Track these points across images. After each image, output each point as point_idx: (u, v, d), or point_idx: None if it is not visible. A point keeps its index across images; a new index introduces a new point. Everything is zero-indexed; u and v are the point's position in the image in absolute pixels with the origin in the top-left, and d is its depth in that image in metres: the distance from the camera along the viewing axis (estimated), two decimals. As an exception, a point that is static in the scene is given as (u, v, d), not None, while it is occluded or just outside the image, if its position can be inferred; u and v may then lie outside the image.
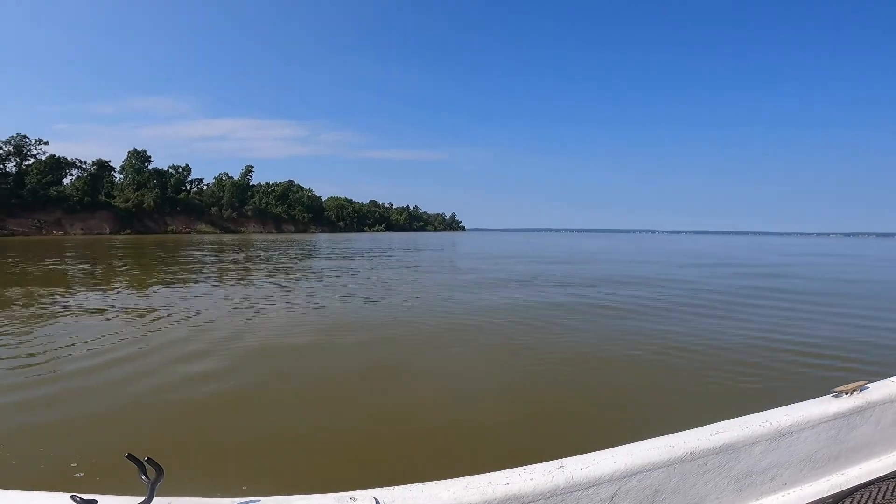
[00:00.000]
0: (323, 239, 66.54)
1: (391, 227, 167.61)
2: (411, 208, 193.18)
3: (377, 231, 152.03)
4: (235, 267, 17.87)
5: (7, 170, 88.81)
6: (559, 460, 1.25)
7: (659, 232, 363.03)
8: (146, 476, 0.98)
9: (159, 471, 0.97)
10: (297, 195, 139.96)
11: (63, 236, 79.12)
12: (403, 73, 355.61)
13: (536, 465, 1.21)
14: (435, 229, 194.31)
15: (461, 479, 1.14)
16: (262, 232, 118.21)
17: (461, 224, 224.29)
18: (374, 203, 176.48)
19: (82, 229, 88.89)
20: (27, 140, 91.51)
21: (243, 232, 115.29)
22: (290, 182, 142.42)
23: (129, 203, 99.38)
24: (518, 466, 1.19)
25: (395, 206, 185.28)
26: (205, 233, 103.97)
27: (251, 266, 18.27)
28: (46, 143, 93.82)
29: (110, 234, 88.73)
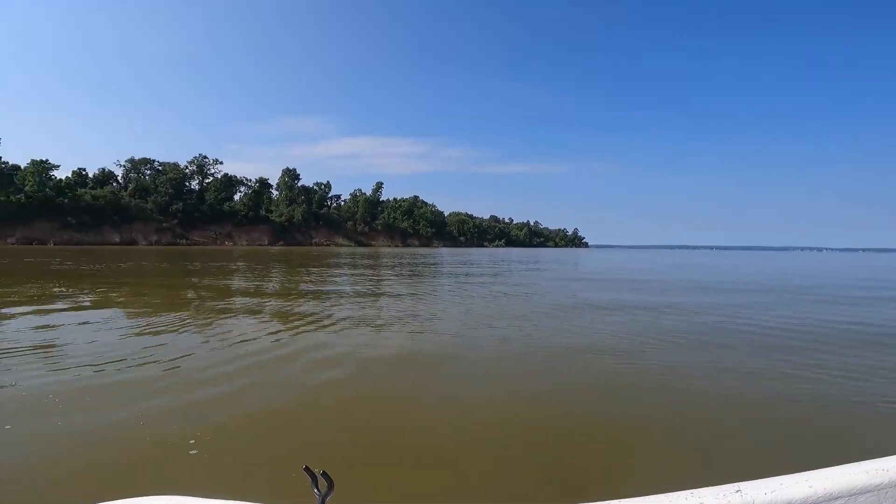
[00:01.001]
0: (445, 253, 66.47)
1: (511, 242, 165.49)
2: (531, 224, 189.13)
3: (497, 246, 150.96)
4: (412, 279, 16.35)
5: (191, 187, 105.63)
6: (734, 484, 1.10)
7: (828, 250, 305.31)
8: (318, 489, 1.01)
9: (331, 485, 0.99)
10: (422, 210, 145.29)
11: (232, 246, 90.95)
12: (523, 88, 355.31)
13: (705, 489, 1.09)
14: (556, 245, 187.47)
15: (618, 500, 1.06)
16: (389, 245, 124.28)
17: (584, 240, 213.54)
18: (494, 218, 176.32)
19: (247, 241, 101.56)
20: (207, 160, 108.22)
21: (374, 245, 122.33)
22: (415, 198, 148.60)
23: (283, 217, 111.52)
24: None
25: (514, 222, 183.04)
26: (342, 245, 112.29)
27: (423, 279, 16.84)
28: (221, 163, 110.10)
29: (268, 245, 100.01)
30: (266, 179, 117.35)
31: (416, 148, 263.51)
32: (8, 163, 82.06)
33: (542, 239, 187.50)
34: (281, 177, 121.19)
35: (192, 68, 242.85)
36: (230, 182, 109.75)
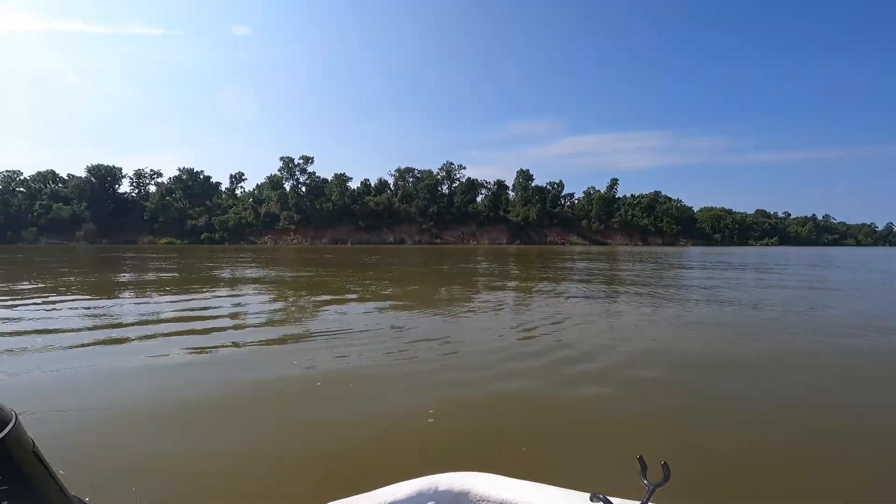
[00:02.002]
0: (697, 252, 55.47)
1: (787, 240, 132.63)
2: (819, 218, 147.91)
3: (766, 244, 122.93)
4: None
5: (442, 191, 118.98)
6: None
7: None
8: (647, 479, 0.97)
9: (666, 477, 0.95)
10: (664, 206, 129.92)
11: (476, 245, 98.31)
12: (789, 64, 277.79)
13: None
14: (858, 243, 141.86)
15: None
16: (627, 244, 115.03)
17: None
18: (761, 213, 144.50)
19: (487, 240, 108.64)
20: (453, 166, 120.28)
21: (610, 244, 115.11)
22: (656, 193, 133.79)
23: (519, 217, 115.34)
24: None
25: (792, 216, 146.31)
26: (576, 244, 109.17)
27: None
28: (464, 168, 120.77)
29: (506, 244, 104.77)
30: (503, 181, 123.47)
31: (654, 141, 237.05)
32: (320, 177, 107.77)
33: (835, 236, 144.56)
34: (516, 178, 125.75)
35: (441, 86, 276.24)
36: (473, 185, 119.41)
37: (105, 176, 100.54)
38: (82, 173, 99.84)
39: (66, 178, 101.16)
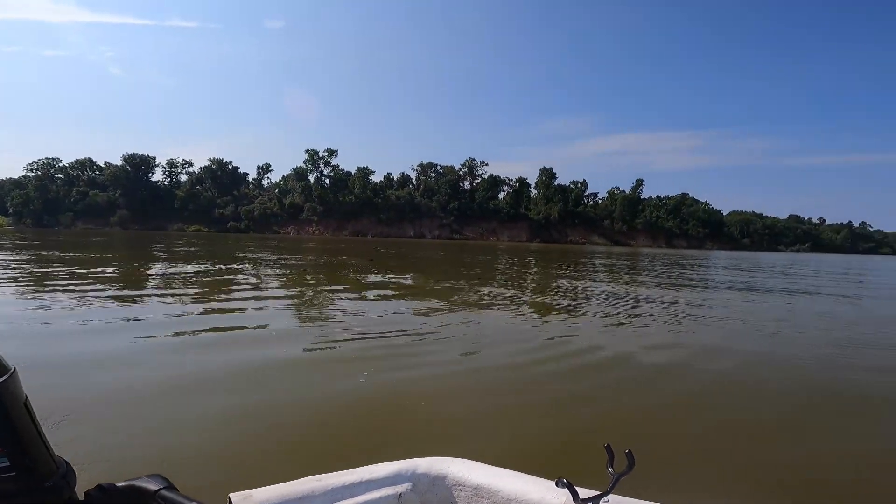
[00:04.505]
0: (724, 256, 54.35)
1: (820, 246, 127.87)
2: (855, 225, 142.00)
3: (798, 251, 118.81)
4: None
5: (464, 187, 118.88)
6: None
7: None
8: (612, 468, 0.98)
9: (630, 465, 0.95)
10: (691, 209, 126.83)
11: (497, 241, 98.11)
12: (827, 64, 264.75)
13: None
14: (894, 252, 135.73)
15: None
16: (651, 246, 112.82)
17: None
18: (794, 218, 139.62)
19: (508, 237, 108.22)
20: (475, 162, 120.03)
21: (633, 245, 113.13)
22: (684, 195, 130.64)
23: (540, 215, 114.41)
24: None
25: (827, 223, 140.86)
26: (597, 244, 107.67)
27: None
28: (486, 164, 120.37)
29: (526, 241, 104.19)
30: (525, 179, 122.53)
31: (691, 141, 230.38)
32: (343, 170, 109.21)
33: (871, 244, 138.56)
34: (539, 176, 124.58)
35: (470, 81, 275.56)
36: (494, 182, 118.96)
37: (140, 164, 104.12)
38: (119, 162, 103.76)
39: (102, 165, 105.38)
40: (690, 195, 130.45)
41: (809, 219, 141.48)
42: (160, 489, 0.77)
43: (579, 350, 5.42)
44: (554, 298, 9.91)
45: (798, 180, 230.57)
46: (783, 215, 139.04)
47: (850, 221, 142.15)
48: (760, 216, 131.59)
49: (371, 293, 9.89)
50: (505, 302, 9.15)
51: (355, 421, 3.25)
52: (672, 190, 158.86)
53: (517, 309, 8.47)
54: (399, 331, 5.94)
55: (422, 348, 5.17)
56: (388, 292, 10.19)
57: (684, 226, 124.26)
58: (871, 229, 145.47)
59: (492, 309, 8.20)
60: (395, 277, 13.72)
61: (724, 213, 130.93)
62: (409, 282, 12.75)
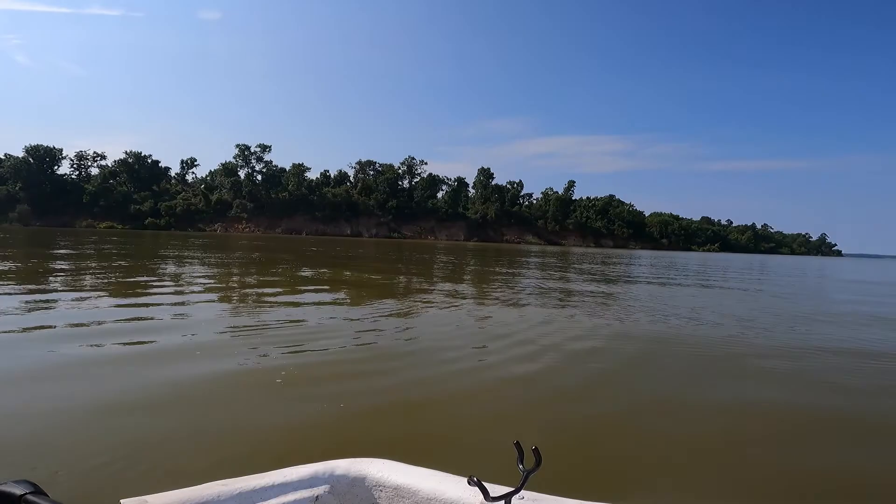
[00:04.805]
0: (646, 255, 58.57)
1: (728, 246, 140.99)
2: (758, 227, 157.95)
3: (708, 250, 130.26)
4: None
5: (403, 185, 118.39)
6: None
7: None
8: (523, 465, 0.99)
9: (538, 462, 0.96)
10: (618, 210, 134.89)
11: (434, 241, 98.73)
12: (763, 75, 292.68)
13: None
14: (792, 252, 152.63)
15: None
16: (581, 245, 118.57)
17: (835, 247, 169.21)
18: (706, 220, 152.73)
19: (446, 236, 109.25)
20: (415, 161, 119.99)
21: (564, 244, 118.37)
22: (611, 197, 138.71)
23: (477, 215, 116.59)
24: None
25: (734, 224, 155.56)
26: (531, 243, 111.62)
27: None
28: (426, 164, 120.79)
29: (464, 240, 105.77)
30: (464, 179, 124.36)
31: (618, 145, 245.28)
32: (277, 166, 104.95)
33: (771, 244, 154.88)
34: (477, 176, 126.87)
35: (404, 78, 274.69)
36: (434, 181, 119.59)
37: (44, 157, 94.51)
38: (21, 154, 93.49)
39: (2, 157, 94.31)
40: (616, 197, 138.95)
41: (719, 220, 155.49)
42: (25, 494, 0.72)
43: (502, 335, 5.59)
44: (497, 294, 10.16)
45: (710, 184, 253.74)
46: (696, 217, 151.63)
47: (754, 223, 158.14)
48: (677, 218, 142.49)
49: (306, 292, 9.63)
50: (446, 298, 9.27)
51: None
52: (600, 192, 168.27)
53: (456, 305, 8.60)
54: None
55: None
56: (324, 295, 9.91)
57: (611, 226, 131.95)
58: (772, 231, 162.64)
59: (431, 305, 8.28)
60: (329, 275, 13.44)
61: (646, 215, 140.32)
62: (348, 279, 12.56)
